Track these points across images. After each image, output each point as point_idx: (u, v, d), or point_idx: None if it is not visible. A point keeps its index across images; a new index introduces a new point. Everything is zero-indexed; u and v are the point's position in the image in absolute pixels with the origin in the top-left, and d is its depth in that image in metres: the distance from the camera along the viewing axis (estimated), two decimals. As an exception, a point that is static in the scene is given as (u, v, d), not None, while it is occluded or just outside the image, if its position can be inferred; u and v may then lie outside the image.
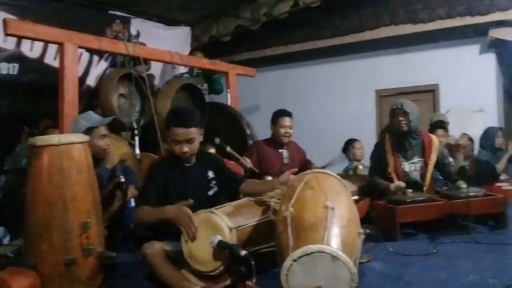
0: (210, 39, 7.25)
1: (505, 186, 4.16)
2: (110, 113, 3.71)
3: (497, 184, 4.15)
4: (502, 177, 4.26)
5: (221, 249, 1.94)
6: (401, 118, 3.42)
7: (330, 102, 6.98)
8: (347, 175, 4.35)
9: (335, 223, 1.96)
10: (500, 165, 4.27)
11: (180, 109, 3.31)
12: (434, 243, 2.78)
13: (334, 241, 1.88)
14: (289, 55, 7.16)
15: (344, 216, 2.05)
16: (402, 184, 3.28)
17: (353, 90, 6.82)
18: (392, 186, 3.32)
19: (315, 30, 6.97)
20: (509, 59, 6.02)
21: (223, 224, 2.06)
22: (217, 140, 3.77)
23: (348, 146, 5.04)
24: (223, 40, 7.23)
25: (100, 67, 5.55)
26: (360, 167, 4.69)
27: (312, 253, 1.79)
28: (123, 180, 2.76)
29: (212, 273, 2.03)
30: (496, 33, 5.67)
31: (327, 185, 2.24)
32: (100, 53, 5.33)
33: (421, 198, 3.03)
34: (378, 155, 3.62)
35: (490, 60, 5.92)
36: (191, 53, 6.00)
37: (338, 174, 3.31)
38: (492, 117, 5.71)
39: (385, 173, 3.50)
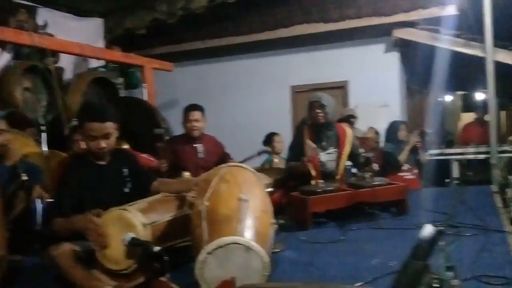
0: (124, 31, 7.00)
1: (407, 175, 4.51)
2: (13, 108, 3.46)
3: (400, 174, 4.49)
4: (405, 167, 4.60)
5: (134, 246, 1.91)
6: (318, 111, 3.58)
7: (248, 97, 7.09)
8: (263, 168, 4.46)
9: (249, 214, 2.02)
10: (403, 156, 4.61)
11: (94, 103, 3.19)
12: (342, 230, 2.95)
13: (248, 232, 1.93)
14: (208, 50, 7.15)
15: (258, 208, 2.11)
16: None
17: (269, 85, 6.99)
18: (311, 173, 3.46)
19: (232, 26, 7.02)
20: (411, 58, 6.51)
21: (136, 220, 2.02)
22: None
23: (269, 139, 5.15)
24: (138, 33, 7.02)
25: (2, 59, 5.13)
26: (276, 160, 4.82)
27: (226, 245, 1.82)
28: (25, 178, 2.59)
29: (125, 271, 1.99)
30: (399, 33, 6.11)
31: (242, 178, 2.30)
32: (3, 44, 4.94)
33: (331, 188, 3.20)
34: (296, 146, 3.75)
35: (394, 58, 6.36)
36: (108, 48, 5.76)
37: (256, 167, 3.41)
38: (396, 112, 6.15)
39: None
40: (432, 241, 1.40)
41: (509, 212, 3.13)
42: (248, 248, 1.81)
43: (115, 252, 1.99)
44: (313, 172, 3.48)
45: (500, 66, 5.47)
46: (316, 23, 6.45)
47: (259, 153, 3.92)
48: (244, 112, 7.02)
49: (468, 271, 2.07)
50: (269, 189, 2.95)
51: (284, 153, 4.67)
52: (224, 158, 3.90)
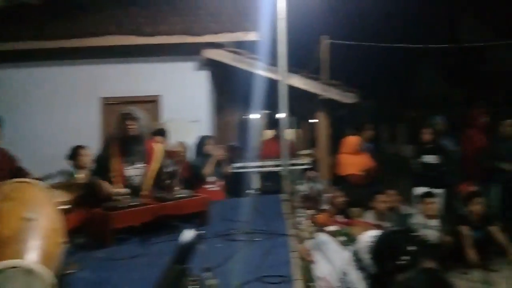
0: None
1: (211, 187, 4.78)
2: None
3: (205, 186, 4.73)
4: (210, 179, 4.85)
5: None
6: (129, 124, 3.54)
7: (53, 108, 6.55)
8: (64, 184, 4.17)
9: (34, 234, 1.89)
10: (207, 169, 4.85)
11: None
12: (145, 244, 2.96)
13: (31, 254, 1.80)
14: (4, 54, 6.38)
15: (46, 227, 1.99)
16: (123, 191, 3.36)
17: (78, 96, 6.59)
18: (112, 190, 3.37)
19: (35, 29, 6.42)
20: (220, 77, 6.94)
21: None
22: None
23: (74, 153, 4.83)
24: None
25: None
26: (81, 175, 4.56)
27: (2, 270, 1.66)
28: None
29: None
30: (208, 53, 6.46)
31: (30, 195, 2.14)
32: None
33: (135, 203, 3.18)
34: (102, 158, 3.62)
35: (204, 76, 6.66)
36: None
37: (57, 183, 3.19)
38: (205, 127, 6.45)
39: (107, 176, 3.52)
40: (191, 246, 1.51)
41: (293, 217, 3.58)
42: (28, 271, 1.68)
43: None
44: (118, 187, 3.42)
45: (295, 89, 6.25)
46: (129, 35, 6.38)
47: (57, 174, 3.68)
48: (49, 124, 6.47)
49: (253, 272, 2.31)
50: (66, 206, 2.78)
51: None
52: (17, 173, 3.54)
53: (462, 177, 5.90)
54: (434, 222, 4.96)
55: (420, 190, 5.54)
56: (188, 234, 1.50)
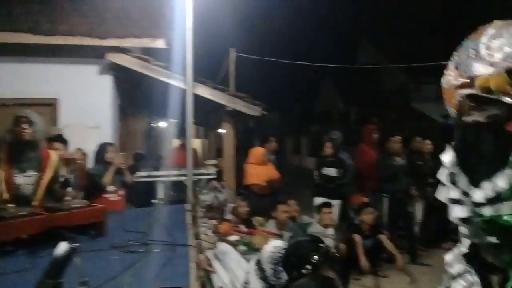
0: None
1: (111, 197, 4.57)
2: None
3: (105, 196, 4.52)
4: (110, 188, 4.64)
5: None
6: (24, 127, 3.33)
7: None
8: None
9: None
10: (106, 178, 4.63)
11: None
12: (32, 258, 2.74)
13: None
14: None
15: None
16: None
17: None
18: None
19: None
20: (124, 82, 6.70)
21: None
22: None
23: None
24: None
25: None
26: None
27: None
28: None
29: None
30: (112, 58, 6.20)
31: None
32: None
33: (21, 213, 2.95)
34: None
35: (107, 81, 6.37)
36: None
37: None
38: (108, 134, 6.16)
39: None
40: (65, 259, 1.45)
41: (196, 228, 3.55)
42: None
43: None
44: (5, 196, 3.17)
45: (202, 99, 6.25)
46: (24, 33, 5.91)
47: None
48: None
49: (149, 285, 2.25)
50: None
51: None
52: None
53: (356, 188, 6.34)
54: (330, 231, 5.23)
55: (319, 200, 5.83)
56: (61, 247, 1.43)
